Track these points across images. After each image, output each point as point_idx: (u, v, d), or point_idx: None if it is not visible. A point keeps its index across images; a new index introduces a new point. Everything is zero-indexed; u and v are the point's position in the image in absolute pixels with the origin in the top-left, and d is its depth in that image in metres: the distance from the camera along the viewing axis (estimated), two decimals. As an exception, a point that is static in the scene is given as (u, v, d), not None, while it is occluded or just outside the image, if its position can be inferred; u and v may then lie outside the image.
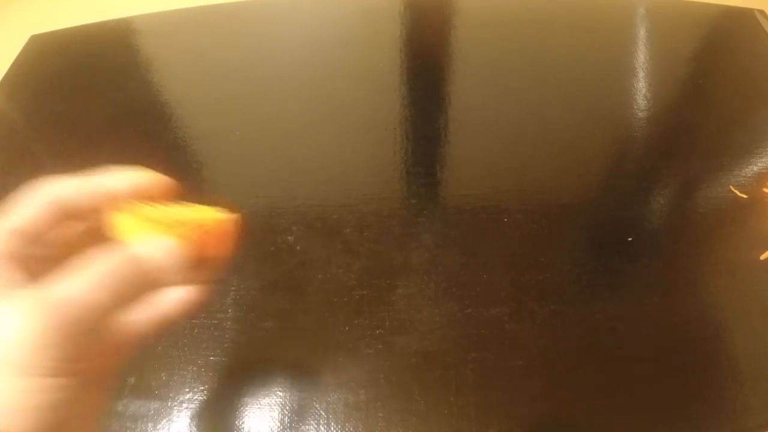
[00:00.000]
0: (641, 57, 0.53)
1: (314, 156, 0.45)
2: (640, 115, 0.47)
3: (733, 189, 0.41)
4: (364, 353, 0.33)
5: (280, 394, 0.32)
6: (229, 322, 0.35)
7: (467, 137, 0.46)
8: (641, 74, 0.51)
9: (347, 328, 0.35)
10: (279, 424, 0.31)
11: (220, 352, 0.34)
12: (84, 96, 0.52)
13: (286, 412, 0.31)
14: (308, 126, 0.48)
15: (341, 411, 0.31)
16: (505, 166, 0.44)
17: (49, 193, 0.23)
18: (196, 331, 0.35)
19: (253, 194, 0.43)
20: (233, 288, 0.37)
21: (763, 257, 0.37)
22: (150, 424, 0.31)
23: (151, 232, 0.22)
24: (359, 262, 0.34)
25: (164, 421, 0.31)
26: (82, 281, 0.20)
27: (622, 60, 0.53)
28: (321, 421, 0.31)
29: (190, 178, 0.44)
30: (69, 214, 0.23)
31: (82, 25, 0.60)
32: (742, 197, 0.40)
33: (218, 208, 0.23)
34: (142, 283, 0.22)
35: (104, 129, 0.48)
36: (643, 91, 0.49)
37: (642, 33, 0.56)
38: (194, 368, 0.33)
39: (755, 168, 0.42)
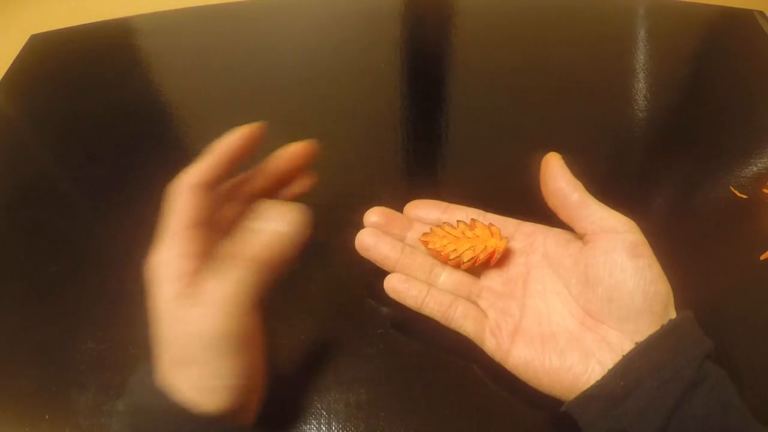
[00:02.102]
0: (641, 57, 0.53)
1: (314, 155, 0.45)
2: (640, 115, 0.47)
3: (733, 189, 0.41)
4: (365, 353, 0.33)
5: (281, 393, 0.32)
6: (229, 322, 0.35)
7: (467, 137, 0.46)
8: (641, 74, 0.51)
9: (348, 328, 0.35)
10: (279, 423, 0.31)
11: (221, 351, 0.34)
12: (84, 96, 0.52)
13: (287, 412, 0.31)
14: (308, 126, 0.48)
15: (342, 410, 0.31)
16: (506, 165, 0.44)
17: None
18: (196, 330, 0.35)
19: (253, 194, 0.43)
20: (234, 288, 0.37)
21: (763, 257, 0.37)
22: (151, 424, 0.31)
23: (455, 246, 0.32)
24: (360, 262, 0.34)
25: (165, 420, 0.31)
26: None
27: (621, 60, 0.53)
28: (322, 421, 0.31)
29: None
30: None
31: (82, 25, 0.60)
32: (742, 197, 0.40)
33: (497, 230, 0.32)
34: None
35: (104, 129, 0.48)
36: (643, 91, 0.49)
37: (642, 33, 0.56)
38: (195, 368, 0.33)
39: (755, 168, 0.42)
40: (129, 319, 0.35)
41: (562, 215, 0.31)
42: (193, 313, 0.26)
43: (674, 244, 0.37)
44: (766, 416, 0.30)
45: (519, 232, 0.34)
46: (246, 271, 0.28)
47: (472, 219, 0.33)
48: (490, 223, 0.33)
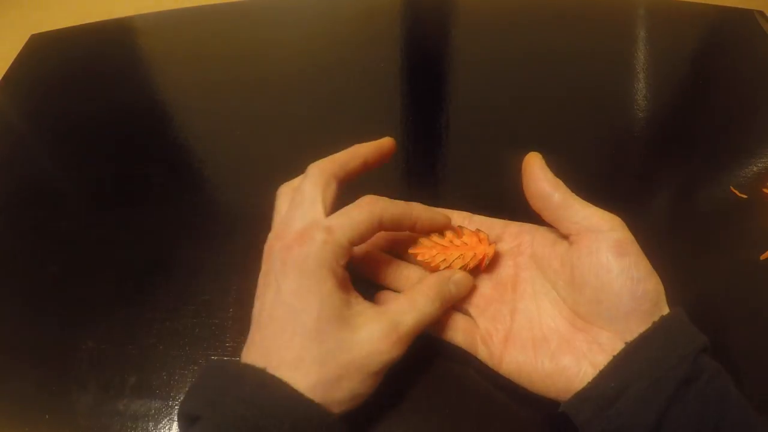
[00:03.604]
0: (641, 57, 0.53)
1: (315, 155, 0.45)
2: (640, 115, 0.47)
3: (733, 189, 0.41)
4: (364, 353, 0.33)
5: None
6: (229, 322, 0.35)
7: (467, 137, 0.46)
8: (641, 74, 0.51)
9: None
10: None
11: (221, 351, 0.34)
12: (84, 96, 0.52)
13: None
14: (309, 125, 0.48)
15: (342, 410, 0.31)
16: (506, 166, 0.44)
17: (377, 212, 0.29)
18: (196, 330, 0.35)
19: (253, 193, 0.43)
20: (234, 287, 0.37)
21: (763, 257, 0.37)
22: (151, 424, 0.31)
23: (445, 256, 0.32)
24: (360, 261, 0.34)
25: (165, 420, 0.31)
26: (421, 303, 0.29)
27: (621, 60, 0.53)
28: (322, 421, 0.31)
29: (191, 178, 0.44)
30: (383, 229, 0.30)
31: (82, 25, 0.60)
32: (742, 197, 0.40)
33: (485, 236, 0.32)
34: (453, 299, 0.31)
35: (104, 129, 0.48)
36: (643, 91, 0.49)
37: (642, 33, 0.56)
38: (195, 368, 0.33)
39: (755, 168, 0.42)
40: (129, 319, 0.36)
41: (546, 216, 0.30)
42: (358, 338, 0.26)
43: (674, 243, 0.37)
44: (766, 415, 0.30)
45: (506, 233, 0.34)
46: (429, 304, 0.29)
47: (459, 226, 0.33)
48: (477, 229, 0.33)
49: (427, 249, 0.32)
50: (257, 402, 0.24)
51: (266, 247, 0.29)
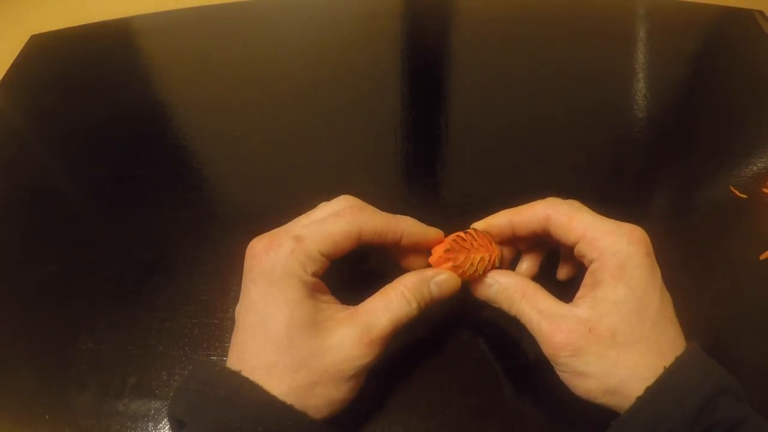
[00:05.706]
0: (641, 57, 0.53)
1: (314, 156, 0.46)
2: (640, 115, 0.47)
3: (733, 189, 0.41)
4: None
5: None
6: (229, 322, 0.35)
7: (467, 137, 0.46)
8: (641, 74, 0.51)
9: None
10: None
11: (221, 351, 0.34)
12: (84, 96, 0.52)
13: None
14: (309, 126, 0.48)
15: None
16: (506, 166, 0.44)
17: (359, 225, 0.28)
18: (196, 330, 0.35)
19: (253, 194, 0.43)
20: (234, 287, 0.37)
21: (763, 257, 0.37)
22: (151, 424, 0.31)
23: (471, 260, 0.30)
24: (360, 262, 0.34)
25: (165, 420, 0.31)
26: (396, 303, 0.27)
27: (622, 60, 0.53)
28: (322, 421, 0.31)
29: (191, 178, 0.44)
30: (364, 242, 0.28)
31: (82, 25, 0.60)
32: (742, 197, 0.40)
33: (490, 237, 0.31)
34: (433, 301, 0.29)
35: (104, 129, 0.48)
36: (643, 91, 0.49)
37: (642, 33, 0.56)
38: (195, 368, 0.33)
39: (755, 168, 0.42)
40: (129, 319, 0.36)
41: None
42: (330, 344, 0.26)
43: (674, 244, 0.37)
44: (766, 416, 0.30)
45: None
46: (405, 305, 0.27)
47: (473, 228, 0.31)
48: (485, 230, 0.31)
49: (455, 253, 0.30)
50: (231, 405, 0.24)
51: (246, 251, 0.28)
